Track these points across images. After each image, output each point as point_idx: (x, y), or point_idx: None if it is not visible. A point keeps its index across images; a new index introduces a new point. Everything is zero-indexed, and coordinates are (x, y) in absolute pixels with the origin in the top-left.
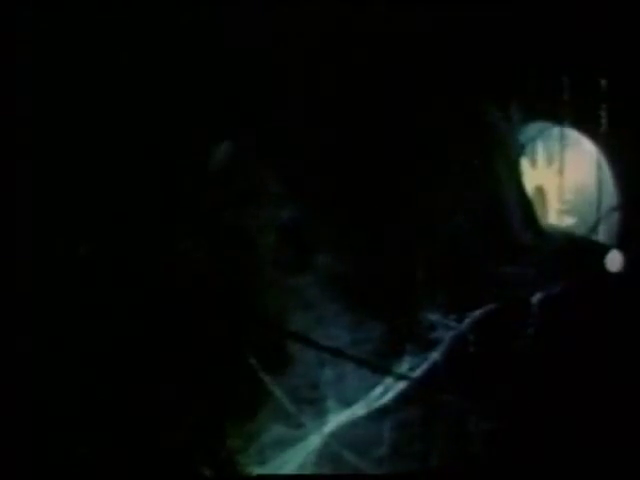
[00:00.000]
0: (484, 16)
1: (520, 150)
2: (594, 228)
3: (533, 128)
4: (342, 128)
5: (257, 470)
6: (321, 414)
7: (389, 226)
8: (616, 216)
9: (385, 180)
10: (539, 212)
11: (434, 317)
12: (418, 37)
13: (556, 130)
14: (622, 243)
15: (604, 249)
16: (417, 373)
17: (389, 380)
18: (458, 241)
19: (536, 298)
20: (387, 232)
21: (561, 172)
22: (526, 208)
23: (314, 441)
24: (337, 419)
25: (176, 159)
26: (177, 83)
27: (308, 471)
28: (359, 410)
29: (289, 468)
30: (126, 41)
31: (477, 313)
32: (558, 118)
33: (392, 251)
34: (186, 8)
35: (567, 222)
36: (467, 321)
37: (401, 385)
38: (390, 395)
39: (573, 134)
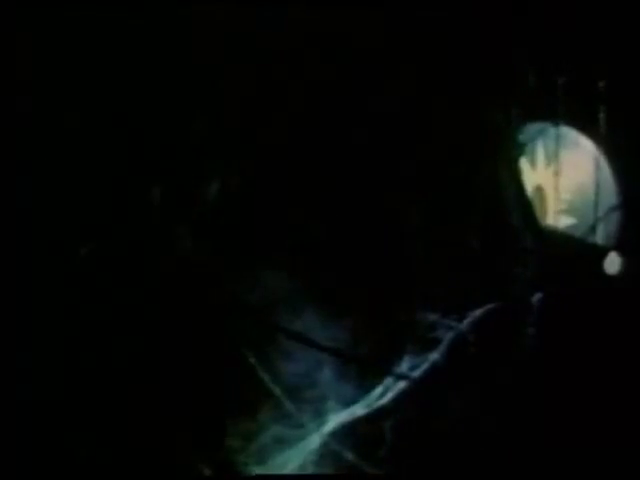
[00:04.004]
0: (485, 18)
1: (520, 151)
2: (593, 229)
3: (533, 129)
4: (346, 128)
5: (257, 470)
6: (321, 414)
7: (390, 226)
8: (615, 217)
9: (387, 180)
10: (538, 212)
11: (434, 317)
12: (418, 39)
13: (555, 131)
14: (620, 245)
15: (603, 251)
16: (417, 373)
17: (389, 380)
18: (459, 242)
19: (536, 299)
20: (388, 232)
21: (560, 172)
22: (526, 209)
23: (314, 441)
24: (337, 419)
25: (174, 158)
26: (173, 83)
27: (308, 471)
28: (359, 410)
29: (289, 468)
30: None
31: (477, 313)
32: (557, 119)
33: (393, 251)
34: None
35: (566, 222)
36: (467, 321)
37: (401, 385)
38: (390, 395)
39: (572, 134)
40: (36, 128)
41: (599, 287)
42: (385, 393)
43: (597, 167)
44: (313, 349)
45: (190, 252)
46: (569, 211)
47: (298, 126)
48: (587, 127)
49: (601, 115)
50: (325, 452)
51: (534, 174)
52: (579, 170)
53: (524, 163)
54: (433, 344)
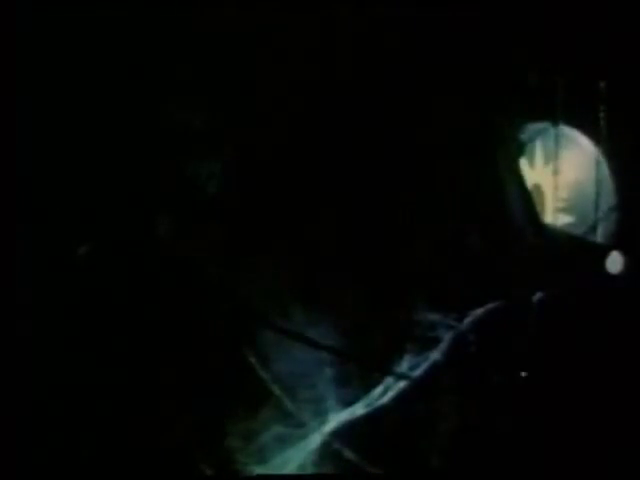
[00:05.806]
0: (485, 18)
1: (520, 150)
2: (593, 227)
3: (532, 128)
4: (346, 127)
5: (257, 469)
6: (321, 413)
7: (390, 226)
8: (615, 215)
9: (387, 180)
10: (538, 211)
11: (434, 317)
12: (418, 40)
13: (555, 130)
14: (621, 243)
15: (604, 250)
16: (417, 372)
17: (389, 380)
18: (459, 241)
19: (536, 298)
20: (388, 232)
21: (560, 171)
22: (527, 208)
23: (314, 440)
24: (337, 418)
25: (172, 157)
26: (171, 80)
27: (309, 470)
28: (359, 409)
29: (290, 467)
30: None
31: (478, 312)
32: (557, 118)
33: (393, 251)
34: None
35: (566, 221)
36: (467, 320)
37: (401, 384)
38: (390, 394)
39: (572, 134)
40: (36, 128)
41: (601, 286)
42: (385, 392)
43: (597, 167)
44: (313, 349)
45: (190, 252)
46: (568, 210)
47: (296, 125)
48: (587, 127)
49: (601, 115)
50: (326, 451)
51: (533, 173)
52: (579, 170)
53: (524, 162)
54: (433, 343)
